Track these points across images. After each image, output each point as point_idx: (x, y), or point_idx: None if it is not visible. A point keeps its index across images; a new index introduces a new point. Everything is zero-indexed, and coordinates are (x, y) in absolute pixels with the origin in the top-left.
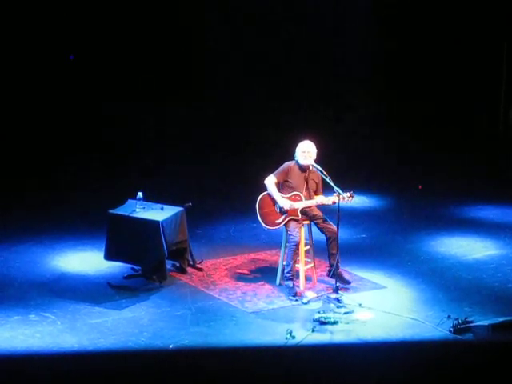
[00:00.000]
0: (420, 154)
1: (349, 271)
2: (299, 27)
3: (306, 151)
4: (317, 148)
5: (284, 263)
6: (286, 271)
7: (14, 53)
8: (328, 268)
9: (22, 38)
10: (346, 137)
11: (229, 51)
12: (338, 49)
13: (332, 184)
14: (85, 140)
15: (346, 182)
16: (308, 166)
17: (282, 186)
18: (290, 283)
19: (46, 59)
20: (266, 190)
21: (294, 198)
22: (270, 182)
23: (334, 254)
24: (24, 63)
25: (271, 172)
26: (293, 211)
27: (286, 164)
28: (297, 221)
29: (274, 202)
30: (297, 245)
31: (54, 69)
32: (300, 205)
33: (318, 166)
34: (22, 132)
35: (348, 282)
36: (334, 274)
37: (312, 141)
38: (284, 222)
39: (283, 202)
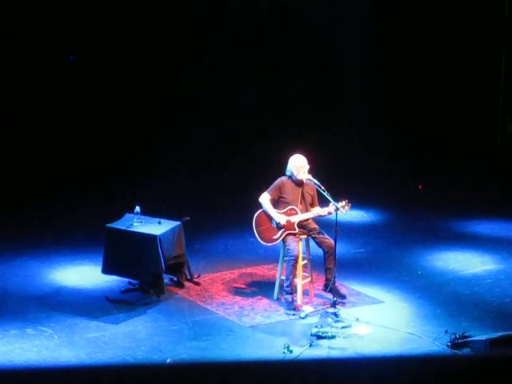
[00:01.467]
0: (417, 167)
1: (346, 285)
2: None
3: (302, 166)
4: (311, 162)
5: (282, 277)
6: (284, 286)
7: (14, 53)
8: (324, 282)
9: (21, 38)
10: (341, 150)
11: (228, 61)
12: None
13: (328, 197)
14: (84, 149)
15: (343, 196)
16: (302, 180)
17: (277, 202)
18: (289, 298)
19: (46, 59)
20: (261, 208)
21: (290, 213)
22: (265, 199)
23: (331, 269)
24: (24, 63)
25: (267, 186)
26: (290, 225)
27: (279, 180)
28: (294, 235)
29: (270, 218)
30: (296, 259)
31: (54, 69)
32: (296, 218)
33: (316, 180)
34: (19, 139)
35: (344, 297)
36: (331, 288)
37: (304, 154)
38: (282, 237)
39: (279, 217)
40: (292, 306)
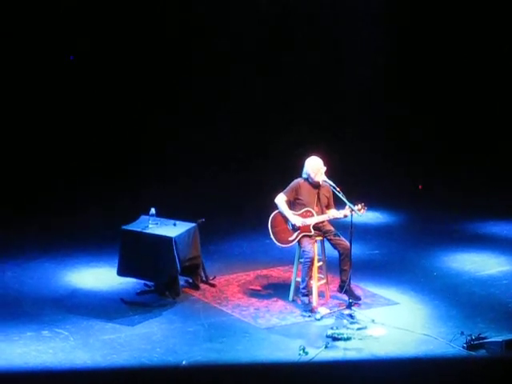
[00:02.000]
0: (432, 169)
1: (362, 287)
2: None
3: (319, 168)
4: (327, 164)
5: (297, 279)
6: (301, 287)
7: (14, 53)
8: (339, 284)
9: (22, 39)
10: (354, 153)
11: (234, 62)
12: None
13: (344, 199)
14: (92, 149)
15: (358, 197)
16: (319, 182)
17: (293, 204)
18: (306, 299)
19: (46, 59)
20: (277, 209)
21: (306, 215)
22: (281, 200)
23: (346, 270)
24: (24, 64)
25: (283, 188)
26: (305, 227)
27: (296, 181)
28: (310, 237)
29: (286, 219)
30: (311, 261)
31: (54, 69)
32: (312, 221)
33: (331, 182)
34: (26, 140)
35: (358, 298)
36: (346, 290)
37: (320, 157)
38: (297, 239)
39: (295, 219)
40: (308, 308)
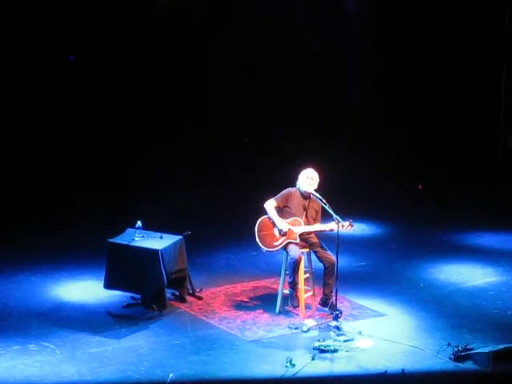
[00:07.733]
0: (419, 180)
1: (348, 299)
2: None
3: (311, 177)
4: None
5: (284, 291)
6: (288, 281)
7: (14, 53)
8: (322, 297)
9: (22, 38)
10: (345, 164)
11: (229, 73)
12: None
13: (332, 212)
14: (83, 158)
15: (345, 209)
16: (309, 194)
17: (281, 212)
18: (293, 293)
19: (46, 59)
20: (266, 214)
21: (293, 223)
22: (270, 205)
23: (330, 284)
24: (24, 63)
25: (271, 197)
26: (291, 234)
27: (288, 190)
28: (296, 244)
29: (274, 224)
30: (295, 261)
31: (54, 69)
32: (299, 229)
33: (318, 195)
34: (18, 146)
35: (341, 313)
36: (331, 304)
37: (314, 169)
38: (283, 245)
39: (282, 224)
40: (295, 302)
